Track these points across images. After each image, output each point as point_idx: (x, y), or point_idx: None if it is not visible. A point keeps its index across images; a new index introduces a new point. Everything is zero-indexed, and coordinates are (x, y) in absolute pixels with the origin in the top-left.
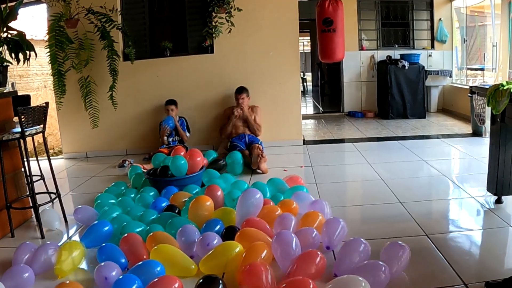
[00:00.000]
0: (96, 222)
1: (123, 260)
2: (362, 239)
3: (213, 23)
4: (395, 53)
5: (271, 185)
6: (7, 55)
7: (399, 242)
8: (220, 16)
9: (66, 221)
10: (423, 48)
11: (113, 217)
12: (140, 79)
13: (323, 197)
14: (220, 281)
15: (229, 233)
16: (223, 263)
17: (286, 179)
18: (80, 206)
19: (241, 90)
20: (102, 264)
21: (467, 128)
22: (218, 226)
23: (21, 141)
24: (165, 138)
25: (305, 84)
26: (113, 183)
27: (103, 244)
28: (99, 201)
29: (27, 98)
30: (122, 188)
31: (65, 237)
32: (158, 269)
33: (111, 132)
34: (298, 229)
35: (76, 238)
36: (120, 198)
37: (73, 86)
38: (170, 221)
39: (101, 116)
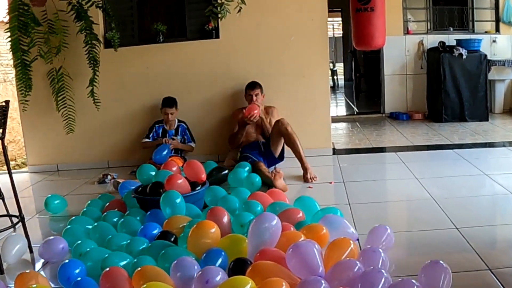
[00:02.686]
0: (66, 261)
1: None
2: (413, 281)
3: (219, 0)
4: (450, 38)
5: (300, 206)
6: None
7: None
8: None
9: (31, 251)
10: (486, 32)
11: (86, 251)
12: (126, 72)
13: (358, 221)
14: None
15: (238, 267)
16: None
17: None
18: (52, 237)
19: (254, 85)
20: None
21: None
22: (221, 259)
23: None
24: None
25: (335, 77)
26: (89, 202)
27: (78, 279)
28: (69, 226)
29: None
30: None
31: (32, 276)
32: None
33: (89, 139)
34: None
35: (47, 273)
36: (96, 224)
37: (42, 80)
38: (164, 252)
39: (78, 118)
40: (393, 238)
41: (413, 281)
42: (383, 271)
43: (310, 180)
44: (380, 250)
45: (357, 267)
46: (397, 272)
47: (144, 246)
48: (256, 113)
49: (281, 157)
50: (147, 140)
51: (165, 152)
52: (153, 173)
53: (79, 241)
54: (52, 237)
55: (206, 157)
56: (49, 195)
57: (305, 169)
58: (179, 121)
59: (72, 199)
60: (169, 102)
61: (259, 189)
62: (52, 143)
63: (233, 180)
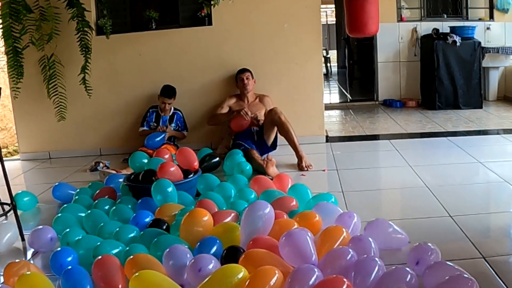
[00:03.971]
0: (58, 249)
1: None
2: (407, 269)
3: None
4: (444, 26)
5: (293, 195)
6: None
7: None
8: None
9: (23, 239)
10: (480, 19)
11: (78, 239)
12: (118, 59)
13: (352, 208)
14: None
15: (231, 255)
16: None
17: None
18: (41, 227)
19: (244, 69)
20: None
21: None
22: (215, 247)
23: None
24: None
25: (328, 65)
26: (78, 190)
27: (69, 268)
28: (60, 214)
29: None
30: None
31: (23, 265)
32: None
33: (81, 127)
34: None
35: (38, 263)
36: (89, 211)
37: (33, 67)
38: (156, 240)
39: (69, 106)
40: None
41: (407, 268)
42: (377, 259)
43: (305, 169)
44: (370, 239)
45: (350, 255)
46: (390, 260)
47: (133, 234)
48: (245, 124)
49: (274, 145)
50: (144, 128)
51: (158, 139)
52: (146, 160)
53: (67, 230)
54: (40, 227)
55: (199, 145)
56: (19, 192)
57: (300, 157)
58: (174, 108)
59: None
60: (169, 93)
61: (250, 177)
62: (44, 130)
63: (228, 167)
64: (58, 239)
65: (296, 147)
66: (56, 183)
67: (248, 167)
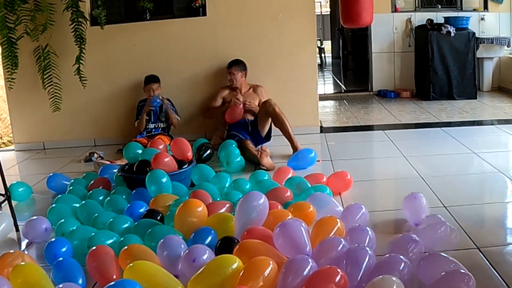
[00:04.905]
0: (52, 240)
1: (80, 281)
2: (401, 257)
3: None
4: (438, 16)
5: (289, 187)
6: None
7: (462, 271)
8: None
9: (17, 230)
10: (474, 10)
11: (72, 230)
12: (112, 50)
13: (346, 199)
14: None
15: (225, 246)
16: (219, 283)
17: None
18: (35, 218)
19: (231, 63)
20: (61, 286)
21: None
22: (210, 238)
23: None
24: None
25: (323, 55)
26: (72, 180)
27: (60, 259)
28: (54, 205)
29: None
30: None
31: (17, 255)
32: None
33: (76, 117)
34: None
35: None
36: (83, 202)
37: (28, 58)
38: (150, 230)
39: (64, 96)
40: (367, 216)
41: (401, 256)
42: (367, 248)
43: None
44: (368, 228)
45: (341, 245)
46: (384, 250)
47: (127, 225)
48: (239, 115)
49: (268, 137)
50: (138, 121)
51: (156, 102)
52: (140, 151)
53: (62, 220)
54: (35, 217)
55: (192, 136)
56: (13, 182)
57: (295, 148)
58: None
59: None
60: (151, 79)
61: (240, 169)
62: (38, 121)
63: (224, 158)
64: (53, 230)
65: (291, 138)
66: (51, 174)
67: (236, 159)
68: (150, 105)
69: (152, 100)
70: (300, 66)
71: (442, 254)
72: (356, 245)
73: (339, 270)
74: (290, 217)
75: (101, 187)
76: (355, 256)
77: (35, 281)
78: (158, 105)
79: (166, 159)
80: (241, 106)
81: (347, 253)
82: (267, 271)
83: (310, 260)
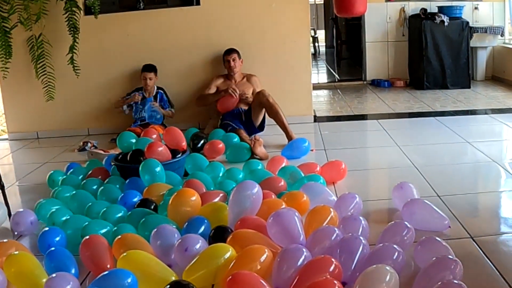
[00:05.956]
0: (46, 229)
1: (73, 271)
2: (395, 246)
3: None
4: (432, 5)
5: (283, 176)
6: None
7: (450, 257)
8: None
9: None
10: None
11: (66, 219)
12: (106, 39)
13: (339, 188)
14: None
15: (218, 235)
16: (213, 272)
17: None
18: (21, 211)
19: (231, 50)
20: (54, 275)
21: None
22: (203, 227)
23: None
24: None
25: (316, 44)
26: (71, 170)
27: (52, 249)
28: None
29: None
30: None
31: (11, 245)
32: (129, 280)
33: (69, 107)
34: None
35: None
36: (75, 192)
37: (21, 47)
38: (144, 220)
39: (58, 86)
40: (361, 205)
41: (395, 246)
42: (361, 237)
43: None
44: (361, 218)
45: (335, 234)
46: (377, 239)
47: (121, 214)
48: (232, 105)
49: (262, 127)
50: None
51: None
52: (134, 140)
53: (53, 210)
54: (21, 210)
55: (186, 125)
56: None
57: (290, 138)
58: (158, 88)
59: (52, 167)
60: (149, 68)
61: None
62: (32, 110)
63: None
64: (41, 223)
65: (286, 128)
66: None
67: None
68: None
69: (146, 109)
70: (293, 55)
71: (437, 238)
72: (350, 234)
73: (333, 260)
74: (283, 206)
75: (100, 177)
76: (349, 245)
77: (29, 270)
78: (150, 110)
79: (160, 149)
80: (236, 97)
81: (341, 243)
82: (263, 258)
83: (304, 249)
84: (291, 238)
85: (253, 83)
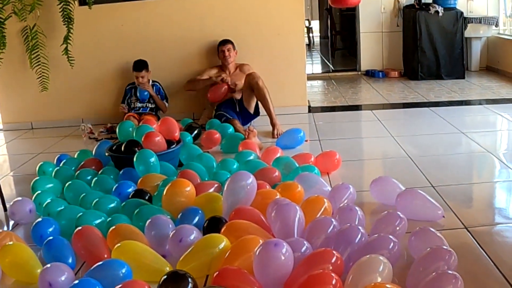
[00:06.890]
0: (39, 220)
1: (70, 260)
2: (390, 236)
3: None
4: None
5: (277, 167)
6: None
7: (444, 247)
8: None
9: (5, 209)
10: None
11: (60, 210)
12: (100, 30)
13: (334, 179)
14: (190, 278)
15: (213, 226)
16: (207, 262)
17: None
18: (19, 199)
19: (226, 41)
20: (49, 266)
21: None
22: (197, 218)
23: None
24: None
25: (311, 35)
26: (64, 160)
27: (50, 238)
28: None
29: None
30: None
31: (6, 235)
32: (124, 271)
33: (63, 97)
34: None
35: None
36: (70, 182)
37: (15, 37)
38: (138, 210)
39: (52, 76)
40: (355, 196)
41: (390, 236)
42: (359, 227)
43: (276, 137)
44: (357, 208)
45: (332, 225)
46: (370, 230)
47: (114, 205)
48: (222, 94)
49: (257, 112)
50: (123, 105)
51: (144, 95)
52: (131, 129)
53: (49, 200)
54: (20, 198)
55: (180, 115)
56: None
57: (273, 125)
58: (153, 81)
59: (47, 157)
60: (139, 66)
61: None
62: (26, 101)
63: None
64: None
65: (271, 114)
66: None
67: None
68: (139, 98)
69: (139, 95)
70: (288, 46)
71: (431, 229)
72: (348, 224)
73: (334, 252)
74: (278, 197)
75: (93, 168)
76: (347, 235)
77: (24, 260)
78: (146, 98)
79: (157, 138)
80: (226, 86)
81: (339, 233)
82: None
83: (305, 242)
84: (291, 234)
85: (246, 71)
